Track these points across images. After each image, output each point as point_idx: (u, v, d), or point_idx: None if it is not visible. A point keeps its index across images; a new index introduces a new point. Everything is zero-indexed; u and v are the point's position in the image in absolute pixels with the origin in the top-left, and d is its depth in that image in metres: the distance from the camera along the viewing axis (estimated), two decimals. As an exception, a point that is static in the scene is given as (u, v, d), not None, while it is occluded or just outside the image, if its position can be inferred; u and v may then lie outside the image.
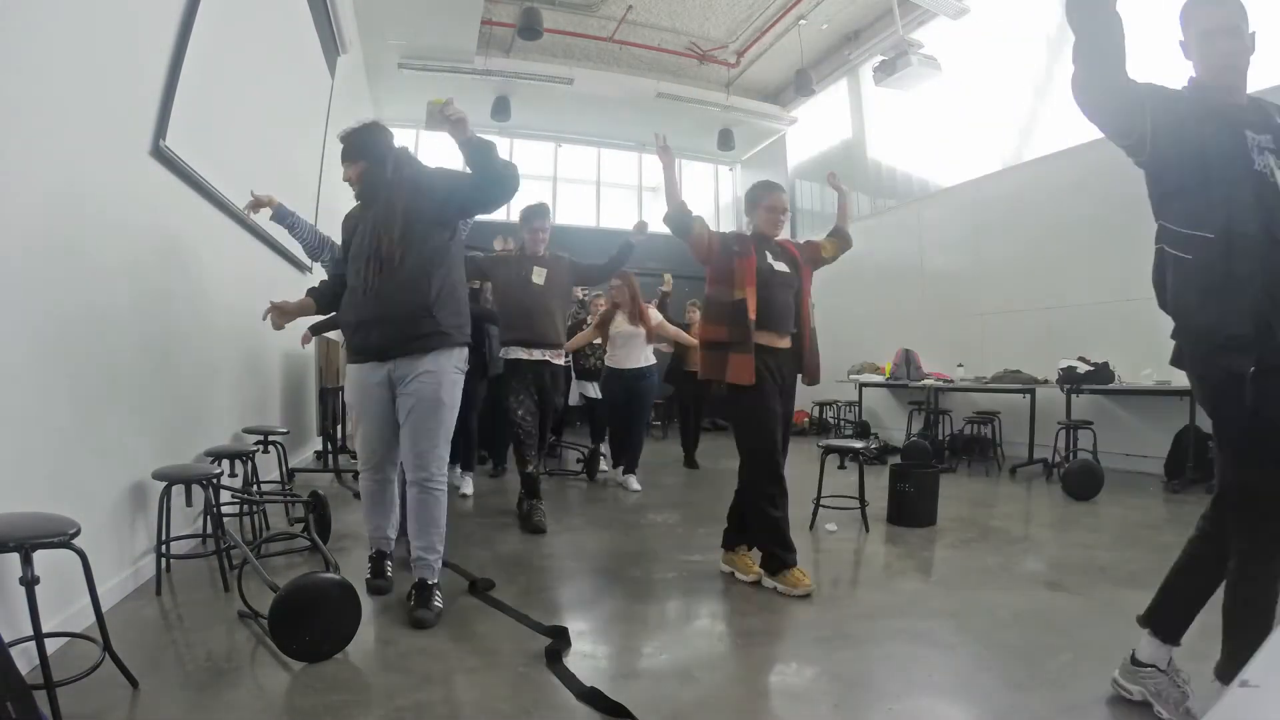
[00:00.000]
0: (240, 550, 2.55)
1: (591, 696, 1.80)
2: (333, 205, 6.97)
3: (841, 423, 8.89)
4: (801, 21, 8.57)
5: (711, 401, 6.07)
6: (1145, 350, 5.58)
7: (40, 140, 2.04)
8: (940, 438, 6.66)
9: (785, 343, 2.90)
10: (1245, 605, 1.61)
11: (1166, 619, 1.76)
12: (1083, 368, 5.51)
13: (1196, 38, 1.70)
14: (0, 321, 1.87)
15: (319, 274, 6.19)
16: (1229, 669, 1.65)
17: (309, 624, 2.01)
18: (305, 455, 5.93)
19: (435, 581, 2.47)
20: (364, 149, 2.50)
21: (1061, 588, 2.82)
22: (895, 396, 8.36)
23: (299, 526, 3.35)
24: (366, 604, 2.21)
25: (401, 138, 10.09)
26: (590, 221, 12.03)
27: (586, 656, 2.11)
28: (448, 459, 2.52)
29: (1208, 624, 2.47)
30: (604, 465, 5.53)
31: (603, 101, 10.22)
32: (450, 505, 2.57)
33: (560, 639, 2.18)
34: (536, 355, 3.98)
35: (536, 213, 4.11)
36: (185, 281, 3.20)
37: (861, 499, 3.86)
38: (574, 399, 6.10)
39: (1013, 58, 7.02)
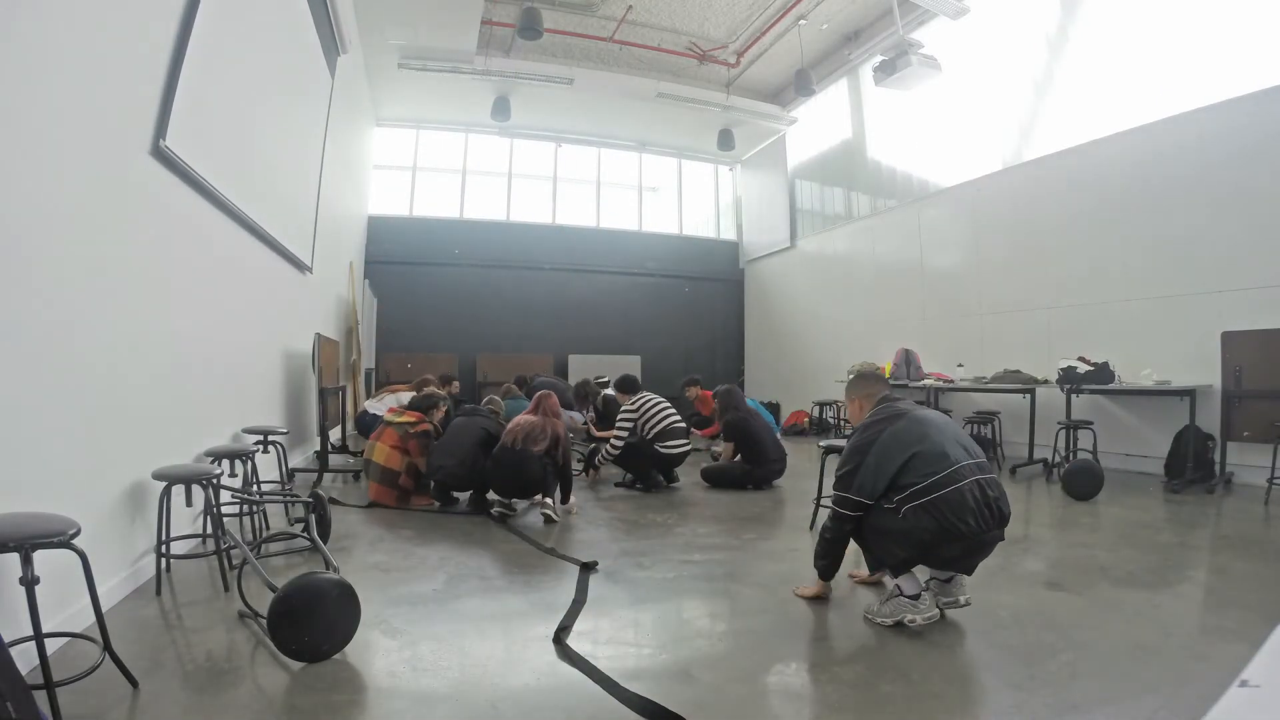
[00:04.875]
0: (240, 550, 2.55)
1: (644, 706, 1.78)
2: (333, 204, 6.98)
3: (842, 423, 8.89)
4: (801, 21, 8.57)
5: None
6: (1145, 350, 5.59)
7: (40, 140, 2.04)
8: (940, 438, 6.65)
9: None
10: None
11: None
12: (1083, 368, 5.50)
13: None
14: (0, 321, 1.87)
15: (318, 275, 6.21)
16: None
17: (309, 624, 2.02)
18: (305, 455, 5.93)
19: None
20: None
21: (1061, 588, 2.82)
22: (895, 396, 8.36)
23: (299, 526, 3.35)
24: (366, 604, 2.21)
25: (400, 137, 10.14)
26: (590, 221, 12.05)
27: (588, 656, 2.11)
28: None
29: (1207, 624, 2.48)
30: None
31: (603, 101, 10.23)
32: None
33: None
34: None
35: None
36: (185, 281, 3.20)
37: (861, 499, 3.85)
38: None
39: (1013, 58, 7.01)
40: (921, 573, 2.46)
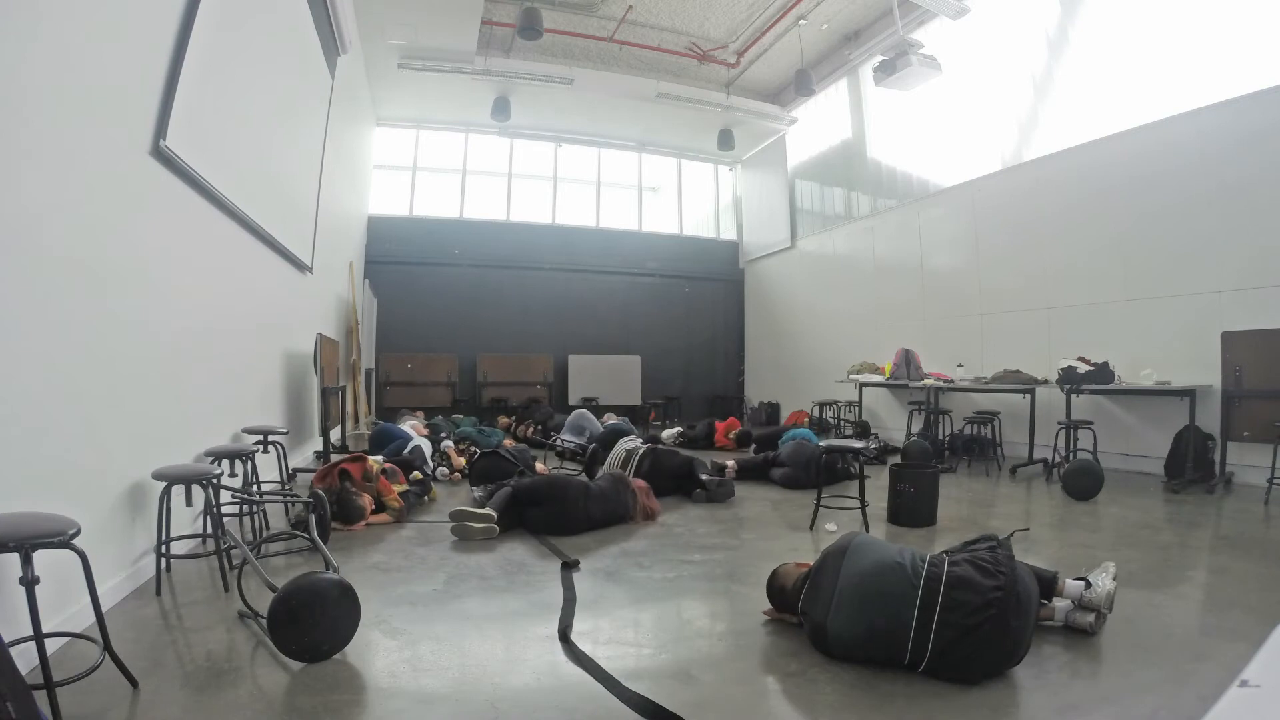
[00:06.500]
0: (240, 550, 2.55)
1: (645, 706, 1.78)
2: (333, 204, 6.98)
3: (841, 423, 8.89)
4: (801, 21, 8.57)
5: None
6: (1145, 350, 5.59)
7: (41, 140, 2.04)
8: (940, 438, 6.66)
9: None
10: None
11: None
12: (1083, 368, 5.50)
13: None
14: (0, 321, 1.87)
15: (318, 275, 6.21)
16: None
17: (308, 624, 2.01)
18: (305, 455, 5.93)
19: None
20: None
21: (1061, 588, 2.81)
22: (895, 396, 8.36)
23: (299, 526, 3.35)
24: (366, 604, 2.21)
25: (400, 137, 10.16)
26: (590, 221, 12.04)
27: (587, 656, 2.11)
28: None
29: (1207, 624, 2.48)
30: None
31: (603, 101, 10.23)
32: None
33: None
34: None
35: None
36: (185, 281, 3.20)
37: (862, 499, 3.86)
38: None
39: (1013, 58, 7.01)
40: None
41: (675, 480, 4.83)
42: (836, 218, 10.17)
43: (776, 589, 2.41)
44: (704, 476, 4.81)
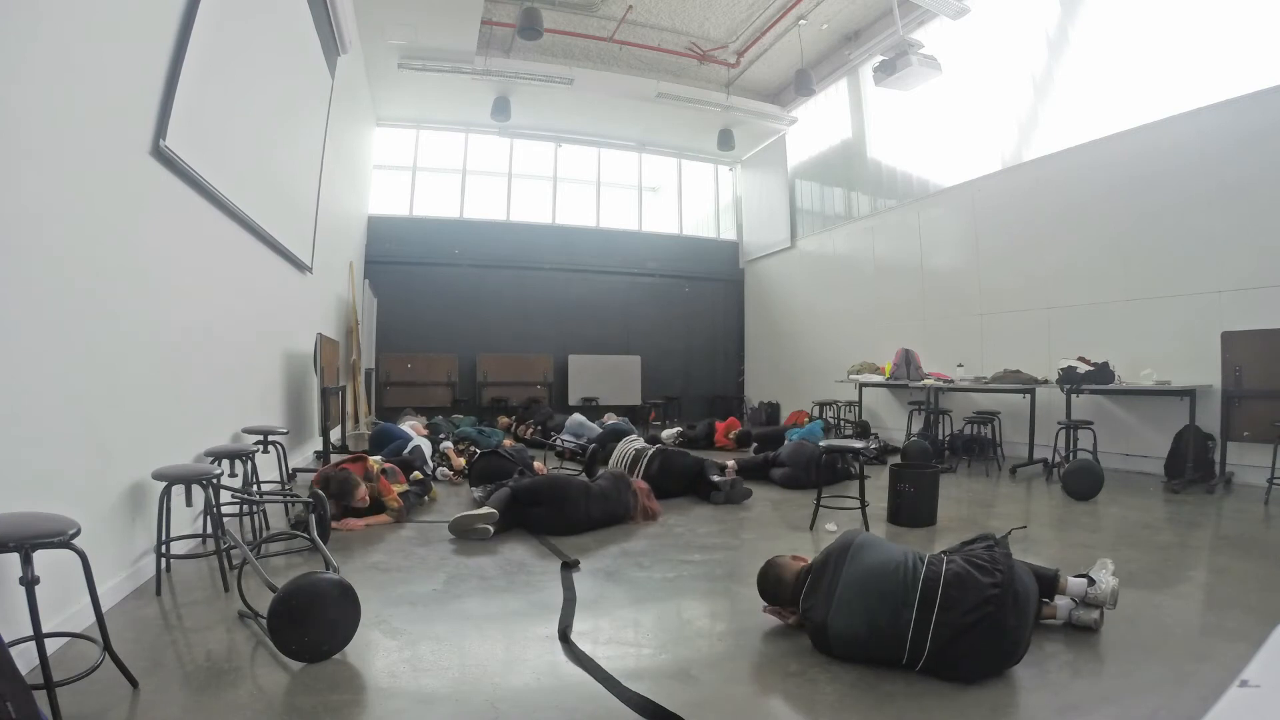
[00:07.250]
0: (240, 550, 2.55)
1: (645, 706, 1.78)
2: (333, 204, 6.98)
3: (842, 423, 8.89)
4: (801, 21, 8.57)
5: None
6: (1145, 350, 5.59)
7: (41, 140, 2.04)
8: (940, 438, 6.66)
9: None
10: None
11: None
12: (1083, 368, 5.50)
13: None
14: (0, 321, 1.87)
15: (318, 275, 6.20)
16: None
17: (308, 624, 2.01)
18: (305, 455, 5.93)
19: None
20: None
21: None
22: (895, 396, 8.36)
23: (299, 526, 3.35)
24: (366, 604, 2.21)
25: (400, 137, 10.16)
26: (590, 221, 12.04)
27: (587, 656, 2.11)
28: None
29: (1207, 624, 2.48)
30: None
31: (603, 101, 10.23)
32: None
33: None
34: None
35: None
36: (185, 281, 3.20)
37: (862, 499, 3.86)
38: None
39: (1013, 58, 7.01)
40: None
41: (685, 481, 4.81)
42: (836, 218, 10.17)
43: (773, 579, 2.40)
44: (716, 478, 4.78)
